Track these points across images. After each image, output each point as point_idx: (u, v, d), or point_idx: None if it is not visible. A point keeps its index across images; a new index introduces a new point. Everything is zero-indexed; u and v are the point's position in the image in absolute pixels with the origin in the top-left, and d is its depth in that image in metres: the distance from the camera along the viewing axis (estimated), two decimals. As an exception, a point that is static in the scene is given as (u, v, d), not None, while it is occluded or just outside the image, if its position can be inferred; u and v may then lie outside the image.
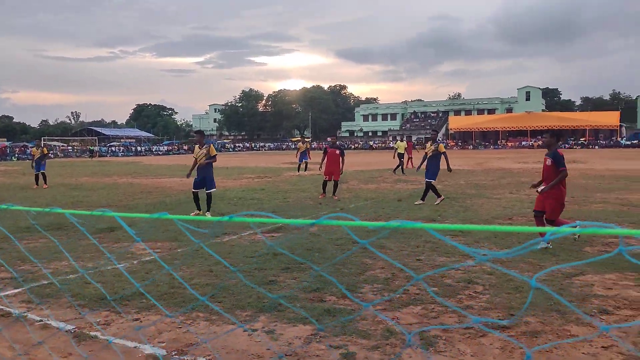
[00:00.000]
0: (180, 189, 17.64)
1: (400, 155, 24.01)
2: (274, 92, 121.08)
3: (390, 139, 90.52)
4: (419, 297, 5.23)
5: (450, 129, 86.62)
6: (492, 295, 5.31)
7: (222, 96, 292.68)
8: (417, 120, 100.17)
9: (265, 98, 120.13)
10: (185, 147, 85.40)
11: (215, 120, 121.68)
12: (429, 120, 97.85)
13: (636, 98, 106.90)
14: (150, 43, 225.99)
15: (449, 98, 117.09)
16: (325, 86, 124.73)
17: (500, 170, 25.66)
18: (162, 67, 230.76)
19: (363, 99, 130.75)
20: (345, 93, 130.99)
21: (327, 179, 14.30)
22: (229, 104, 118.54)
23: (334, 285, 5.67)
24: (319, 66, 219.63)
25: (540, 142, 73.44)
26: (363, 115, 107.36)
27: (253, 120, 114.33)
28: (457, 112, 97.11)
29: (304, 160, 24.68)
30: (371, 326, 4.48)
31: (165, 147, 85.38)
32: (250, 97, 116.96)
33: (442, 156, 12.82)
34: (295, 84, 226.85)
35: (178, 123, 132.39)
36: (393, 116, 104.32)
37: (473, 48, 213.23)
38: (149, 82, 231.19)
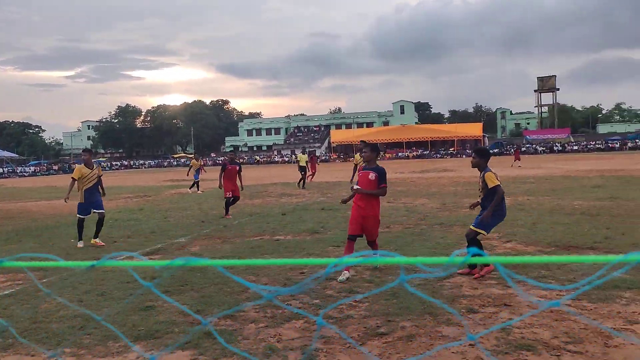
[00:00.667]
0: (49, 213, 16.28)
1: (302, 169, 23.65)
2: (153, 107, 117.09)
3: (275, 153, 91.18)
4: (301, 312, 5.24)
5: (332, 142, 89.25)
6: (371, 303, 5.47)
7: (95, 112, 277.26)
8: (301, 134, 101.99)
9: (143, 114, 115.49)
10: (56, 167, 79.32)
11: (89, 138, 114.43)
12: (312, 134, 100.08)
13: (495, 111, 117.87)
14: (10, 55, 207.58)
15: (330, 112, 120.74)
16: (207, 101, 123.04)
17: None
18: (26, 81, 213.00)
19: (247, 113, 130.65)
20: (228, 108, 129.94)
21: (229, 196, 13.89)
22: (104, 120, 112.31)
23: (215, 307, 5.52)
24: (201, 81, 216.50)
25: (415, 153, 78.13)
26: (247, 130, 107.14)
27: (131, 136, 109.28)
28: (338, 126, 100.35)
29: (195, 179, 23.44)
30: (252, 345, 4.41)
31: (32, 168, 78.65)
32: (127, 112, 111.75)
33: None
34: (175, 99, 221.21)
35: (47, 141, 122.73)
36: (277, 130, 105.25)
37: (350, 64, 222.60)
38: (11, 98, 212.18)
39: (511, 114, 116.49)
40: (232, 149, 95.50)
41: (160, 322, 5.05)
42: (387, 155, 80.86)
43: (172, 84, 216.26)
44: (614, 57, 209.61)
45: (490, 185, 6.46)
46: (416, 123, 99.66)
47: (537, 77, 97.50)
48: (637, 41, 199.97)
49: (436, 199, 16.21)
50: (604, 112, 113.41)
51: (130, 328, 4.89)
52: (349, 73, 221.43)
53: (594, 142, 77.38)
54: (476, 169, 6.90)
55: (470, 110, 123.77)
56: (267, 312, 5.29)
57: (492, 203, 6.39)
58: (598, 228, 9.33)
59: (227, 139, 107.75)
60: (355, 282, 6.25)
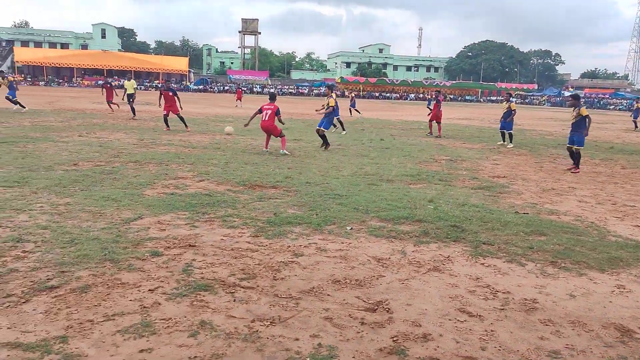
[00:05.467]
0: None
1: (130, 96, 22.88)
2: None
3: None
4: (-51, 268, 4.35)
5: (17, 62, 76.45)
6: (44, 252, 4.88)
7: None
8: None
9: None
10: None
11: None
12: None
13: (202, 47, 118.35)
14: None
15: (15, 26, 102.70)
16: None
17: (72, 111, 24.27)
18: None
19: None
20: None
21: None
22: None
23: None
24: None
25: (118, 82, 73.32)
26: None
27: None
28: (25, 43, 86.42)
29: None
30: None
31: None
32: None
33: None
34: None
35: None
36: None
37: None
38: None
39: (217, 52, 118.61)
40: None
41: None
42: (85, 82, 73.73)
43: None
44: (306, 10, 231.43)
45: (584, 114, 11.57)
46: (119, 50, 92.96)
47: (242, 19, 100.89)
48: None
49: (134, 134, 15.51)
50: (297, 59, 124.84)
51: None
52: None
53: (287, 87, 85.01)
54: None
55: (177, 43, 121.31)
56: None
57: (587, 125, 11.62)
58: (281, 168, 10.27)
59: None
60: (27, 229, 5.50)
